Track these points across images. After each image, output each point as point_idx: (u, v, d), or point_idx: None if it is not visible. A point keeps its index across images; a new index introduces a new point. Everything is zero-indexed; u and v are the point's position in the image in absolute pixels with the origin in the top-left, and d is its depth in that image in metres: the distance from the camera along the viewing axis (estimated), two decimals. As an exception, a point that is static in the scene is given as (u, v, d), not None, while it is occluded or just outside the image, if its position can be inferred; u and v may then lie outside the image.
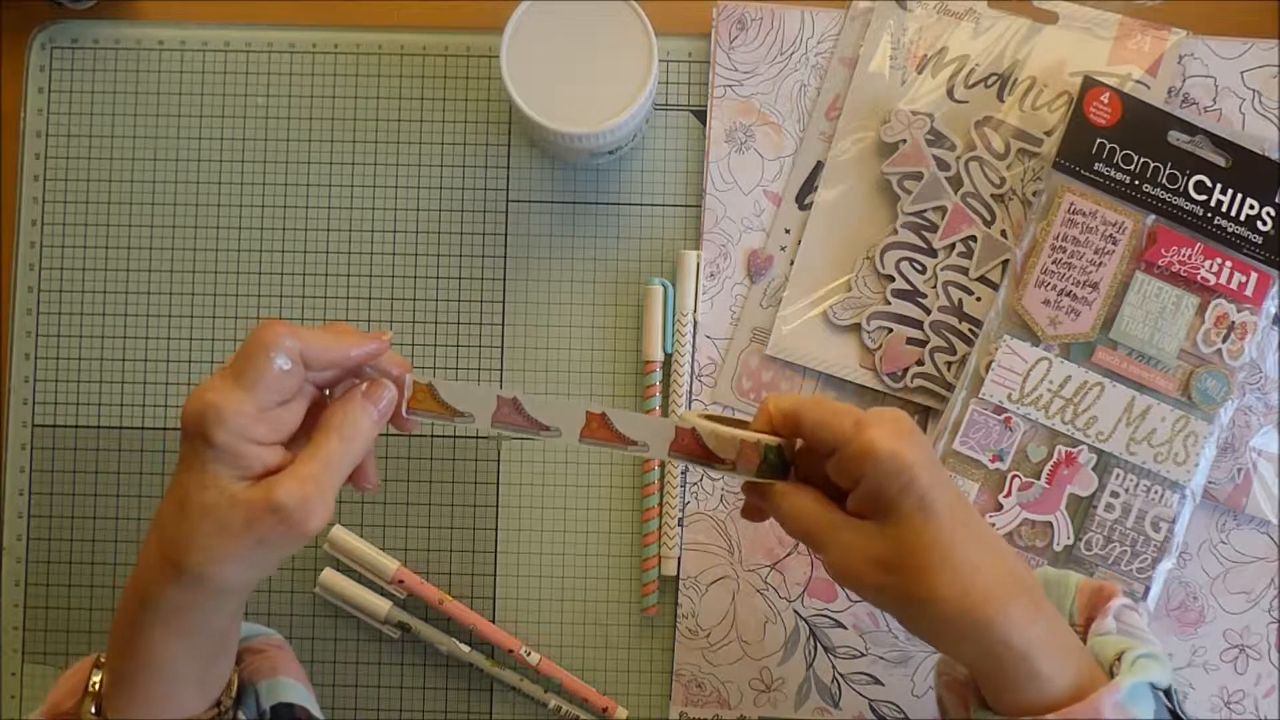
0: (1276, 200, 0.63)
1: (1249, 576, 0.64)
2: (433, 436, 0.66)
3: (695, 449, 0.48)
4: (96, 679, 0.47)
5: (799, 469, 0.49)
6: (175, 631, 0.44)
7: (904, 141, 0.65)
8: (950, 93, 0.65)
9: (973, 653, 0.44)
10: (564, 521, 0.65)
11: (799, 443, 0.49)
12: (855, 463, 0.44)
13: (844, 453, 0.45)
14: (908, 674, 0.64)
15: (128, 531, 0.66)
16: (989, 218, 0.65)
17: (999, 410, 0.63)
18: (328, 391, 0.49)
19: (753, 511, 0.51)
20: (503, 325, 0.66)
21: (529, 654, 0.64)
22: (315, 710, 0.52)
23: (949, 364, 0.64)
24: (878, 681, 0.64)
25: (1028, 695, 0.43)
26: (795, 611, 0.64)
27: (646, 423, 0.48)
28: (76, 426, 0.66)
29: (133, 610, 0.44)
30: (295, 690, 0.51)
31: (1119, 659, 0.46)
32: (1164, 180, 0.63)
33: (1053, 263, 0.63)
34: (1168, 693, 0.46)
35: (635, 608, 0.65)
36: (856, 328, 0.65)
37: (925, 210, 0.65)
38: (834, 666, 0.64)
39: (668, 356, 0.65)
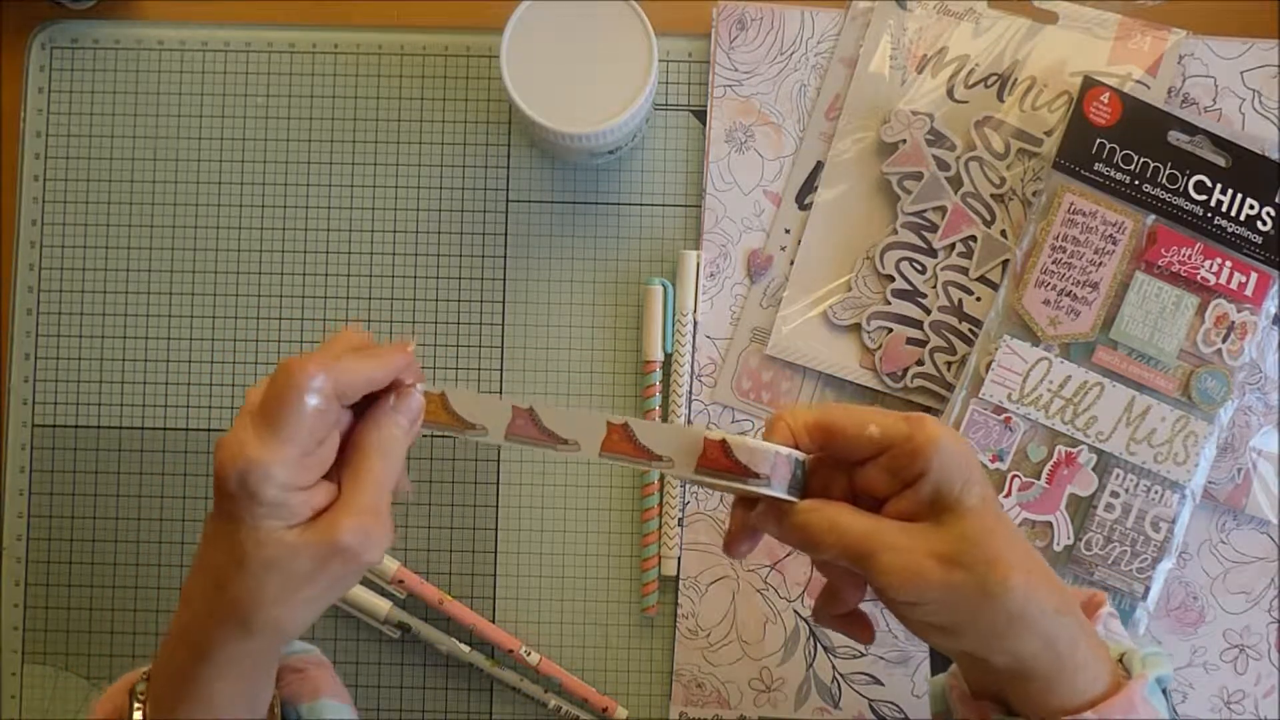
0: (1276, 200, 0.63)
1: (1249, 576, 0.64)
2: (433, 437, 0.66)
3: (724, 463, 0.44)
4: (138, 715, 0.45)
5: (810, 487, 0.46)
6: (236, 678, 0.43)
7: (904, 141, 0.65)
8: (950, 93, 0.65)
9: (1033, 646, 0.42)
10: (564, 521, 0.65)
11: (809, 459, 0.46)
12: (917, 457, 0.43)
13: (902, 449, 0.43)
14: (908, 674, 0.64)
15: (128, 531, 0.66)
16: (989, 218, 0.65)
17: (999, 410, 0.63)
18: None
19: (738, 541, 0.47)
20: (503, 325, 0.66)
21: (529, 654, 0.64)
22: None
23: (949, 364, 0.64)
24: (878, 681, 0.64)
25: (1075, 689, 0.43)
26: (795, 611, 0.64)
27: (670, 433, 0.45)
28: (76, 426, 0.66)
29: (187, 664, 0.43)
30: (339, 711, 0.50)
31: (1120, 660, 0.46)
32: (1164, 180, 0.63)
33: (1053, 263, 0.63)
34: (1165, 694, 0.46)
35: (635, 608, 0.65)
36: (856, 328, 0.65)
37: (925, 210, 0.65)
38: (834, 666, 0.64)
39: (668, 356, 0.65)
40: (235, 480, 0.40)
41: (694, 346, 0.65)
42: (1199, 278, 0.63)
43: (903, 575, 0.42)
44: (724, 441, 0.44)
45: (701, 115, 0.67)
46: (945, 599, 0.42)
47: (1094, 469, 0.63)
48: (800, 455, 0.45)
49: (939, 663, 0.63)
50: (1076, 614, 0.44)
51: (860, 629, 0.48)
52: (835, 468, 0.46)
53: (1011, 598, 0.41)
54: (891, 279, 0.65)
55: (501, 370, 0.66)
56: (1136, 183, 0.63)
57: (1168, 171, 0.63)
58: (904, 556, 0.42)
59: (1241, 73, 0.65)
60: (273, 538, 0.41)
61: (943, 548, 0.42)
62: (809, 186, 0.66)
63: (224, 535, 0.42)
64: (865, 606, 0.49)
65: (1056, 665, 0.43)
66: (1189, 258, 0.63)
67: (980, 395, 0.63)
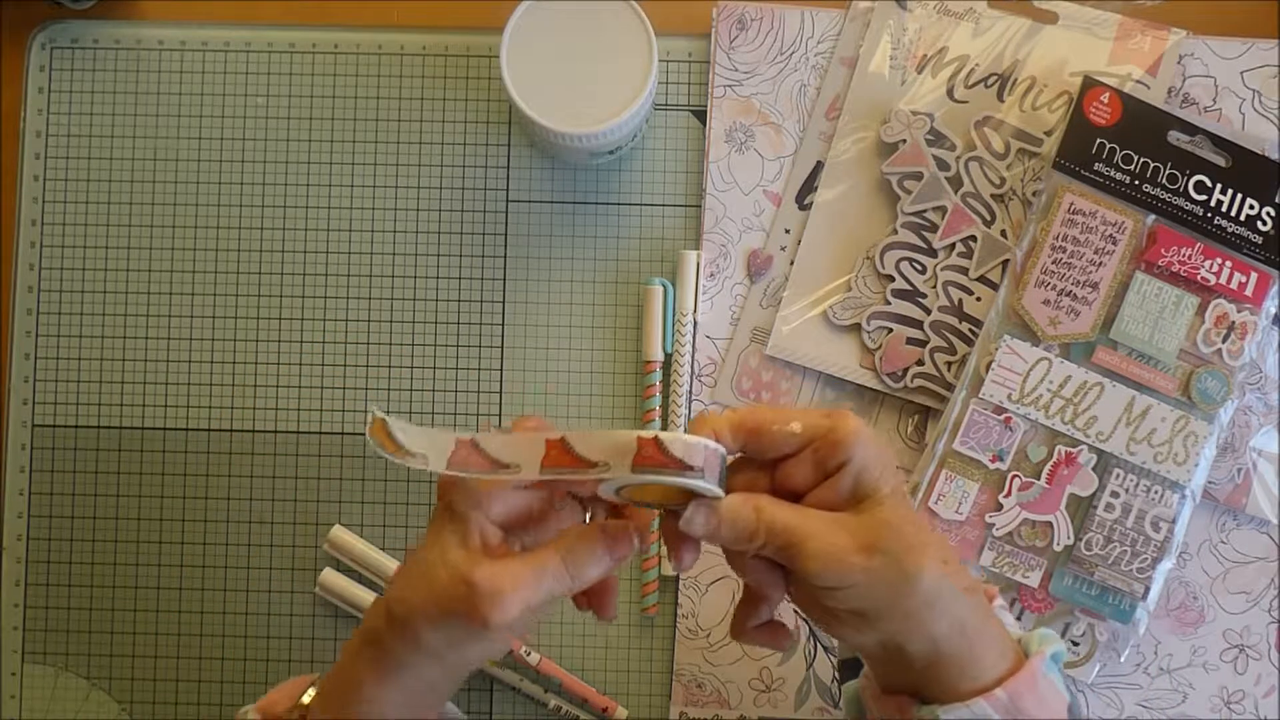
0: (1276, 200, 0.63)
1: (1249, 576, 0.64)
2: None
3: (659, 458, 0.43)
4: (307, 698, 0.49)
5: (733, 485, 0.47)
6: (380, 672, 0.46)
7: (904, 141, 0.65)
8: (950, 93, 0.65)
9: (945, 627, 0.44)
10: (564, 521, 0.65)
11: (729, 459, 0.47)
12: (839, 448, 0.45)
13: (825, 440, 0.45)
14: (908, 674, 0.64)
15: (128, 531, 0.66)
16: (989, 218, 0.65)
17: (999, 410, 0.63)
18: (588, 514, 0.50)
19: (682, 553, 0.48)
20: (503, 325, 0.66)
21: (529, 654, 0.64)
22: None
23: (949, 364, 0.64)
24: (878, 681, 0.64)
25: (984, 668, 0.45)
26: (795, 611, 0.64)
27: (604, 439, 0.44)
28: (76, 426, 0.66)
29: (355, 641, 0.47)
30: None
31: (1018, 643, 0.47)
32: (1164, 180, 0.63)
33: (1053, 263, 0.63)
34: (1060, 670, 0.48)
35: (635, 608, 0.65)
36: (856, 328, 0.65)
37: (925, 210, 0.65)
38: (834, 666, 0.64)
39: (668, 356, 0.65)
40: (445, 485, 0.46)
41: (694, 346, 0.65)
42: (1199, 278, 0.63)
43: (828, 561, 0.44)
44: (657, 438, 0.43)
45: (701, 115, 0.67)
46: (867, 582, 0.44)
47: (1094, 469, 0.63)
48: (724, 451, 0.45)
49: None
50: (980, 595, 0.46)
51: (778, 636, 0.50)
52: (756, 467, 0.47)
53: (927, 578, 0.43)
54: (891, 279, 0.65)
55: (501, 370, 0.66)
56: (1136, 183, 0.63)
57: (1168, 171, 0.63)
58: (829, 543, 0.44)
59: (1241, 73, 0.65)
60: (439, 543, 0.45)
61: (864, 534, 0.44)
62: (809, 186, 0.66)
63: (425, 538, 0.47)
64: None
65: (966, 645, 0.44)
66: (1189, 258, 0.63)
67: (980, 395, 0.63)
